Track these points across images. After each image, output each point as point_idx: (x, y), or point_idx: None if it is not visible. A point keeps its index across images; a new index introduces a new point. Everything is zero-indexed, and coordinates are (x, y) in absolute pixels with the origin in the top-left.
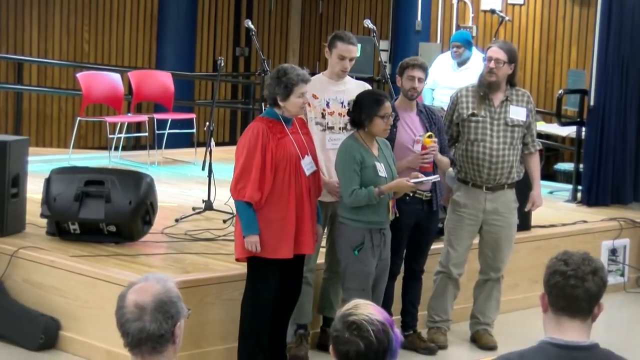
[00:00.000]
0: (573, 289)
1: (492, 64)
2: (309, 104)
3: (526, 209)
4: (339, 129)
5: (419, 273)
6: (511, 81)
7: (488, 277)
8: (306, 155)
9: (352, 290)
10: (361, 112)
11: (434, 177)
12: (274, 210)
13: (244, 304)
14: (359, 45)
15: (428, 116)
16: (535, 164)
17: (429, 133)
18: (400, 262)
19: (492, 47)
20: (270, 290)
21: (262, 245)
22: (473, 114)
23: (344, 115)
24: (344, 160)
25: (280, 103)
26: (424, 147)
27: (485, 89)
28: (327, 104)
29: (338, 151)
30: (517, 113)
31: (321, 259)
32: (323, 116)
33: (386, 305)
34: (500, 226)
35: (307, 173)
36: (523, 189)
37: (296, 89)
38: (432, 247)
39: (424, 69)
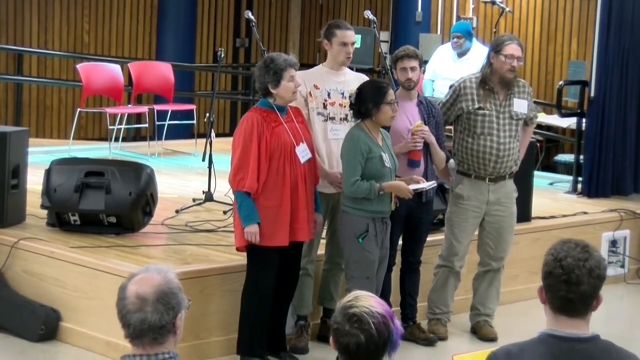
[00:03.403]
0: (567, 293)
1: (514, 63)
2: (310, 94)
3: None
4: (340, 119)
5: (417, 265)
6: None
7: (489, 268)
8: (301, 143)
9: (357, 279)
10: (367, 101)
11: (431, 184)
12: (269, 198)
13: (244, 293)
14: (359, 36)
15: (428, 108)
16: (527, 134)
17: (419, 122)
18: (395, 253)
19: (511, 44)
20: (271, 277)
21: (259, 233)
22: (480, 108)
23: (344, 106)
24: (350, 149)
25: (273, 91)
26: (413, 134)
27: (495, 85)
28: (329, 94)
29: (344, 140)
30: (520, 106)
31: (321, 250)
32: (324, 106)
33: (384, 296)
34: (503, 216)
35: (302, 160)
36: (518, 179)
37: (285, 74)
38: (430, 238)
39: (415, 57)
